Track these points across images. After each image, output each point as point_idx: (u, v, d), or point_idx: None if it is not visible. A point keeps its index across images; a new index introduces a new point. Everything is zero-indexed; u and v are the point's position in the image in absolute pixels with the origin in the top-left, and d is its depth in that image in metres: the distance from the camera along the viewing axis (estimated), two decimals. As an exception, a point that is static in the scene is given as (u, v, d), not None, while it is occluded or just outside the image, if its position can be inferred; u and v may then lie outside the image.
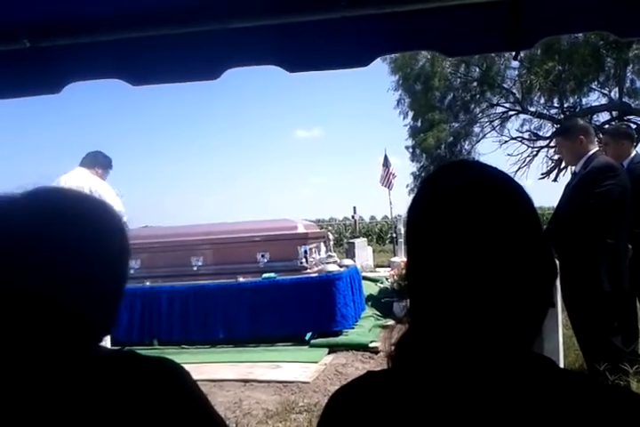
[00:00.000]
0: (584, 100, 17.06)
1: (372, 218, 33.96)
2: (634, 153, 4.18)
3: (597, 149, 3.74)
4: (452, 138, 19.11)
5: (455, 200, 0.69)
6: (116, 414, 0.73)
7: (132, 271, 5.31)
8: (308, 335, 5.39)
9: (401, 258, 9.32)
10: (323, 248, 6.93)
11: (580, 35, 13.40)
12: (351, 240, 12.64)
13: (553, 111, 17.41)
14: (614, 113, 16.49)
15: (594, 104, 16.89)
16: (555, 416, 0.63)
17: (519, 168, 18.22)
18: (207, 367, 4.63)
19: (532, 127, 18.07)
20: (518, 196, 0.71)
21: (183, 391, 0.80)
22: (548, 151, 17.72)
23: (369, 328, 5.71)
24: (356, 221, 16.89)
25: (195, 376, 0.83)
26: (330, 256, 6.70)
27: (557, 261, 0.75)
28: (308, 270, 5.98)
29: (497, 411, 0.64)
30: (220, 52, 1.70)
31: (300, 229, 6.21)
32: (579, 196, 3.53)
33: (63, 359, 0.75)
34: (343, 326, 5.52)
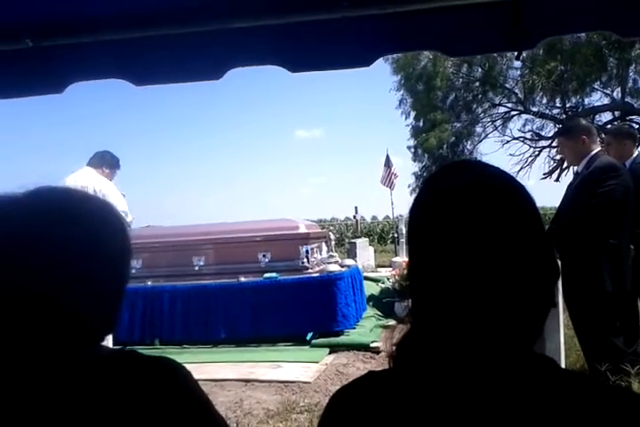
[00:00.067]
0: (586, 100, 17.07)
1: (374, 218, 33.93)
2: (636, 153, 4.17)
3: (600, 149, 3.74)
4: (454, 138, 19.09)
5: (457, 200, 0.69)
6: (118, 414, 0.73)
7: (133, 271, 5.30)
8: (310, 335, 5.39)
9: (402, 258, 9.31)
10: (324, 248, 6.93)
11: (583, 35, 13.38)
12: (353, 240, 12.62)
13: (555, 111, 17.39)
14: (617, 113, 16.47)
15: (596, 104, 16.89)
16: (556, 416, 0.63)
17: (521, 168, 18.23)
18: (208, 367, 4.64)
19: (535, 127, 18.08)
20: (520, 196, 0.71)
21: (184, 391, 0.80)
22: (550, 151, 17.72)
23: (370, 328, 5.71)
24: (357, 221, 16.88)
25: (196, 376, 0.83)
26: (331, 256, 6.70)
27: (559, 262, 0.75)
28: (310, 270, 5.98)
29: (498, 411, 0.64)
30: (223, 52, 1.70)
31: (302, 229, 6.22)
32: (581, 196, 3.52)
33: (65, 359, 0.75)
34: (344, 326, 5.52)
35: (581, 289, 3.40)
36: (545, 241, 0.70)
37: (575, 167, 3.92)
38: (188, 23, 1.62)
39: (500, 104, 18.38)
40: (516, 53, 1.80)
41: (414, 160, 19.97)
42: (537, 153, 18.33)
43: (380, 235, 25.06)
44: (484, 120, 18.74)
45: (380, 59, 1.78)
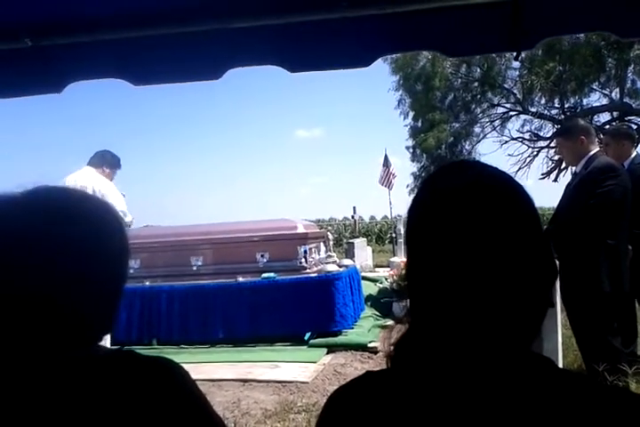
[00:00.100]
0: (585, 101, 17.10)
1: (372, 218, 33.99)
2: (634, 153, 4.19)
3: (598, 149, 3.74)
4: (452, 138, 19.10)
5: (456, 200, 0.69)
6: (115, 414, 0.73)
7: (131, 271, 5.31)
8: (307, 335, 5.39)
9: (400, 258, 9.32)
10: (322, 248, 6.93)
11: (582, 35, 13.39)
12: (351, 240, 12.63)
13: (554, 112, 17.41)
14: (615, 113, 16.49)
15: (595, 105, 16.92)
16: (554, 416, 0.63)
17: (519, 168, 18.25)
18: (206, 367, 4.63)
19: (533, 128, 18.11)
20: (519, 196, 0.71)
21: (182, 391, 0.80)
22: (548, 152, 17.75)
23: (368, 328, 5.71)
24: (355, 221, 16.89)
25: (193, 376, 0.83)
26: (329, 256, 6.69)
27: (557, 262, 0.75)
28: (308, 270, 5.98)
29: (496, 411, 0.64)
30: (222, 51, 1.70)
31: (300, 229, 6.21)
32: (579, 196, 3.53)
33: (62, 359, 0.75)
34: (342, 326, 5.52)
35: (579, 289, 3.41)
36: (543, 241, 0.70)
37: (573, 168, 3.93)
38: (187, 23, 1.62)
39: (498, 104, 18.40)
40: (514, 54, 1.80)
41: (413, 160, 20.01)
42: (535, 153, 18.38)
43: (379, 235, 25.08)
44: (483, 120, 18.78)
45: (379, 59, 1.78)
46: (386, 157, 13.68)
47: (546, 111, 17.31)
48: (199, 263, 6.09)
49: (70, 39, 1.69)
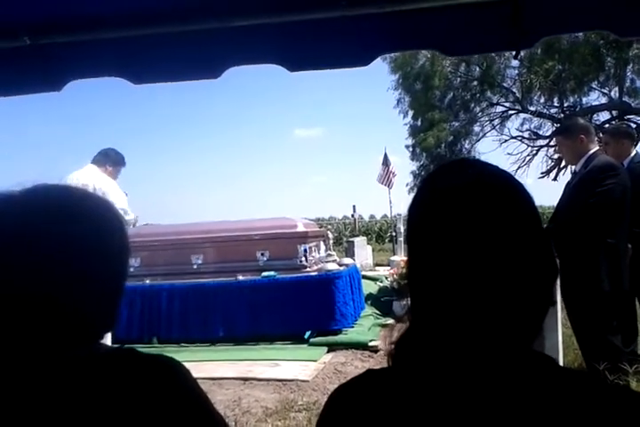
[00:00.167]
0: (584, 100, 17.11)
1: (372, 217, 33.94)
2: (634, 152, 4.18)
3: (598, 148, 3.74)
4: (452, 137, 19.11)
5: (456, 199, 0.69)
6: (116, 412, 0.73)
7: (131, 269, 5.31)
8: (308, 334, 5.39)
9: (400, 257, 9.32)
10: (322, 247, 6.93)
11: (581, 34, 13.40)
12: (351, 239, 12.64)
13: (553, 110, 17.42)
14: (614, 112, 16.49)
15: (594, 103, 16.92)
16: (555, 414, 0.63)
17: (519, 167, 18.26)
18: (207, 365, 4.63)
19: (532, 126, 18.12)
20: (519, 194, 0.71)
21: (183, 389, 0.80)
22: (548, 150, 17.75)
23: (368, 327, 5.71)
24: (355, 219, 16.91)
25: (194, 374, 0.83)
26: (329, 255, 6.70)
27: (557, 260, 0.75)
28: (308, 269, 5.98)
29: (497, 409, 0.64)
30: (221, 50, 1.70)
31: (300, 228, 6.21)
32: (579, 195, 3.53)
33: (64, 357, 0.75)
34: (342, 324, 5.51)
35: (579, 288, 3.41)
36: (544, 240, 0.70)
37: (573, 166, 3.94)
38: (186, 21, 1.61)
39: (497, 103, 18.41)
40: (514, 53, 1.80)
41: (412, 159, 20.01)
42: (535, 152, 18.38)
43: (379, 233, 25.07)
44: (482, 119, 18.78)
45: (379, 58, 1.78)
46: (385, 156, 13.69)
47: (545, 110, 17.32)
48: (199, 262, 6.09)
49: (69, 37, 1.69)
